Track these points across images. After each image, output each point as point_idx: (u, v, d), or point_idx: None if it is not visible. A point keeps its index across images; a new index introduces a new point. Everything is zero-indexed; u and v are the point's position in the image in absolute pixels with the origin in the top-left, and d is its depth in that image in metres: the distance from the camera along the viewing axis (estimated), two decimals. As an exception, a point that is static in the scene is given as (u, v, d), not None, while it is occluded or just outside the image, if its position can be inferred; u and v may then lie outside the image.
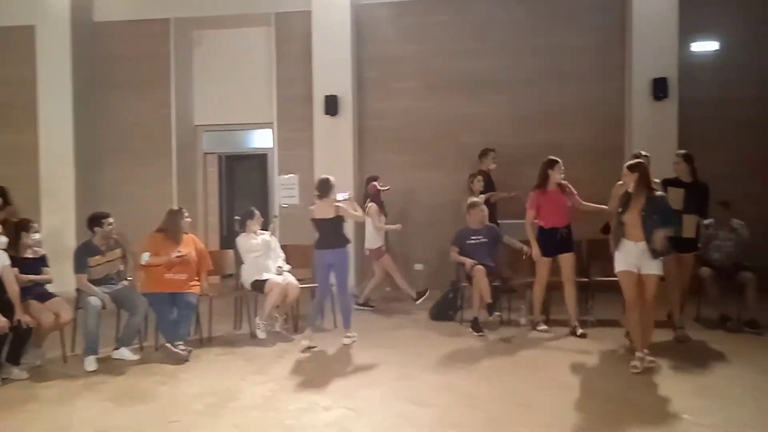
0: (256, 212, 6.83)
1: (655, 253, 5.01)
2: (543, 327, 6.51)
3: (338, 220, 6.09)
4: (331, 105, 8.79)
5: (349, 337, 6.12)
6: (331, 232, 6.10)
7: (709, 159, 6.74)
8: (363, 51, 9.20)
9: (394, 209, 9.09)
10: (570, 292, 6.34)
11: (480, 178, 7.81)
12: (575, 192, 6.45)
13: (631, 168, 5.21)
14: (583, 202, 6.46)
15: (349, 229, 6.77)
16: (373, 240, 7.75)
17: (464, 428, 3.97)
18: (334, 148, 8.89)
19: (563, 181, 6.37)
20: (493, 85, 8.94)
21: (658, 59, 8.21)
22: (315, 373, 5.20)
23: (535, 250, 6.34)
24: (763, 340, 5.88)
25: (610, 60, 8.70)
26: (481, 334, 6.40)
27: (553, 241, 6.30)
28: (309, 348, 5.89)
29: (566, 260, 6.30)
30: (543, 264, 6.36)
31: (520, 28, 8.92)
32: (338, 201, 6.12)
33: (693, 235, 5.89)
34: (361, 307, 7.68)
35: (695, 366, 5.11)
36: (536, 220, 6.46)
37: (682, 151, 6.21)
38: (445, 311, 7.22)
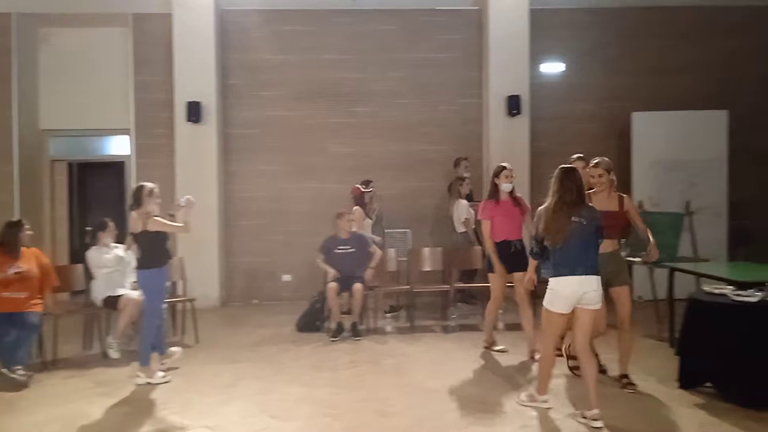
0: (110, 223, 6.42)
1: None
2: (499, 347, 5.95)
3: (151, 235, 5.20)
4: (194, 111, 8.47)
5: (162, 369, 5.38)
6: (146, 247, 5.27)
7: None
8: (227, 57, 8.98)
9: (262, 219, 8.99)
10: (527, 314, 5.69)
11: (468, 181, 8.04)
12: (528, 208, 5.88)
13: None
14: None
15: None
16: None
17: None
18: (196, 156, 8.58)
19: (517, 194, 5.88)
20: (358, 96, 9.07)
21: (511, 78, 8.76)
22: (172, 393, 4.94)
23: (498, 266, 5.68)
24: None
25: (468, 77, 9.14)
26: (334, 339, 6.53)
27: (505, 256, 5.71)
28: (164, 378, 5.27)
29: (521, 279, 5.20)
30: (497, 280, 5.76)
31: (383, 42, 9.13)
32: (179, 207, 5.40)
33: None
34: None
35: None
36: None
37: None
38: (312, 322, 7.16)
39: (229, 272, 9.01)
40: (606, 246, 4.40)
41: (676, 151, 8.37)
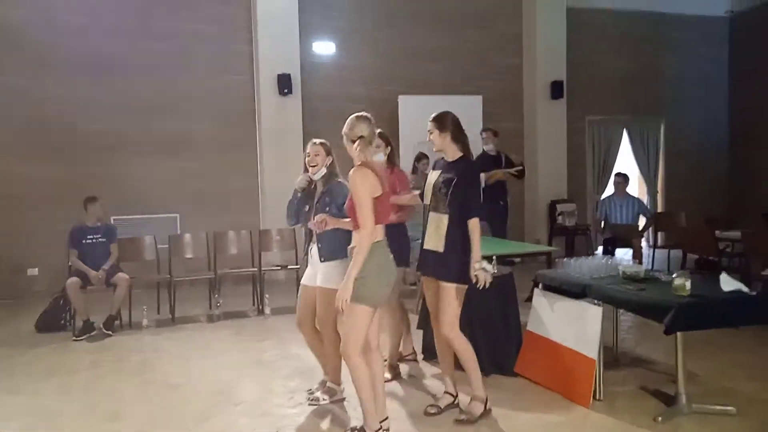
0: None
1: None
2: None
3: None
4: None
5: None
6: None
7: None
8: None
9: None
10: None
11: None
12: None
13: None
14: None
15: None
16: None
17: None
18: None
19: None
20: (112, 68, 8.20)
21: (282, 56, 8.54)
22: None
23: None
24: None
25: (238, 53, 8.74)
26: (78, 338, 5.89)
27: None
28: None
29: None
30: None
31: (135, 10, 8.34)
32: None
33: None
34: None
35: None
36: None
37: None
38: (55, 321, 6.35)
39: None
40: None
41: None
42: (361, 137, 3.30)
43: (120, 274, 6.25)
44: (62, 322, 6.36)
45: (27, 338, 6.04)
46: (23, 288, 7.85)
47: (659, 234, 9.63)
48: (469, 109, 9.01)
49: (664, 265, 7.68)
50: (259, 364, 5.00)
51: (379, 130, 4.21)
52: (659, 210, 10.73)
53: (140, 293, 6.90)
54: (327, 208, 3.77)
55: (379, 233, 3.27)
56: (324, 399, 4.04)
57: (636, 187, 10.94)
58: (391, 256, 3.37)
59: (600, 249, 8.28)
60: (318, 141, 4.03)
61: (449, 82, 9.40)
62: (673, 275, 3.65)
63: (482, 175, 6.96)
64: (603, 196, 8.61)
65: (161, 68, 8.40)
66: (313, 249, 3.88)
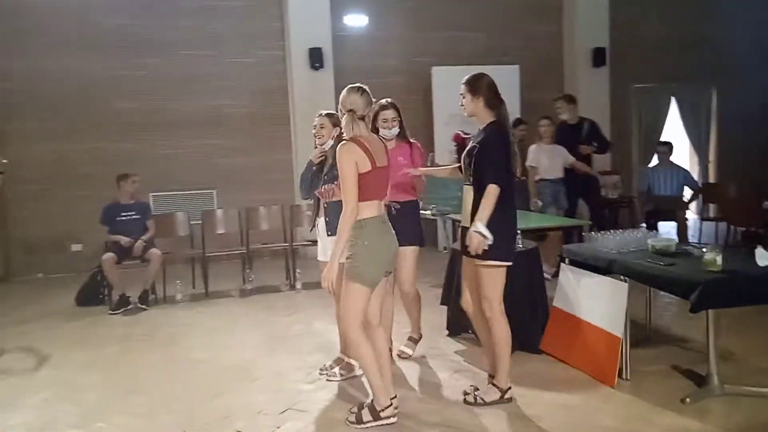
0: None
1: None
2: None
3: None
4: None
5: None
6: None
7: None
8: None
9: (38, 185, 8.03)
10: None
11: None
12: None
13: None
14: None
15: None
16: None
17: (56, 425, 3.52)
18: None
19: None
20: (144, 46, 8.27)
21: (313, 29, 8.42)
22: None
23: None
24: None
25: (269, 28, 8.68)
26: (114, 312, 6.03)
27: None
28: None
29: None
30: None
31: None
32: None
33: None
34: None
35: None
36: None
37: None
38: (94, 295, 6.53)
39: (5, 244, 8.00)
40: None
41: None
42: (350, 111, 3.14)
43: (153, 250, 6.36)
44: (101, 296, 6.53)
45: (66, 312, 6.23)
46: (68, 263, 8.05)
47: (709, 206, 9.19)
48: (505, 80, 8.57)
49: (712, 239, 7.33)
50: (283, 339, 5.00)
51: (389, 100, 4.09)
52: (711, 181, 10.24)
53: (177, 268, 7.03)
54: (336, 180, 3.69)
55: (373, 209, 3.13)
56: (341, 375, 4.01)
57: (687, 158, 10.47)
58: (391, 233, 3.24)
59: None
60: (324, 112, 3.95)
61: (484, 51, 9.09)
62: (703, 249, 3.43)
63: (561, 157, 6.70)
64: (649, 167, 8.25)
65: (194, 45, 8.42)
66: (320, 222, 3.81)
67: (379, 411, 3.23)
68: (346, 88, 3.24)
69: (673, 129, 10.45)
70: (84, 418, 3.59)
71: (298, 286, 6.75)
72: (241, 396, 3.84)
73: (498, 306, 3.42)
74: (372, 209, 3.13)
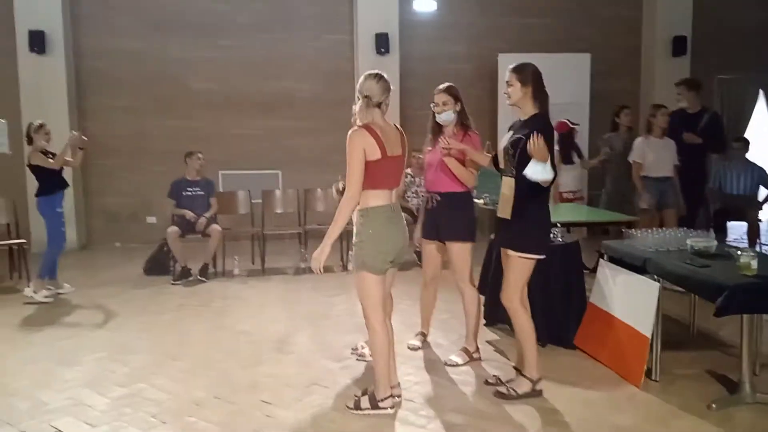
0: None
1: None
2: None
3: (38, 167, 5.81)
4: (38, 41, 7.86)
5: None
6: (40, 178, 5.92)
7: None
8: (73, -19, 8.31)
9: (120, 159, 8.58)
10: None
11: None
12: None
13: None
14: None
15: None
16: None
17: (103, 383, 3.83)
18: (44, 90, 8.00)
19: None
20: (219, 28, 8.63)
21: (380, 15, 8.51)
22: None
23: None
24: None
25: (337, 13, 8.84)
26: (175, 282, 6.38)
27: None
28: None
29: None
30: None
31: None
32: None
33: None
34: None
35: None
36: None
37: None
38: (161, 264, 6.96)
39: (88, 214, 8.63)
40: None
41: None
42: (366, 97, 3.16)
43: (213, 226, 6.69)
44: (167, 267, 6.94)
45: (135, 279, 6.68)
46: (143, 234, 8.58)
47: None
48: (575, 69, 8.56)
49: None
50: (325, 317, 5.18)
51: (447, 84, 4.02)
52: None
53: (239, 245, 7.35)
54: None
55: (382, 198, 3.16)
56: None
57: (772, 155, 9.82)
58: (400, 224, 3.25)
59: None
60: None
61: (554, 38, 8.88)
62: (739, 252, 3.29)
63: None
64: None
65: (264, 28, 8.71)
66: None
67: (378, 401, 3.28)
68: (363, 74, 3.27)
69: (761, 124, 9.82)
70: (128, 378, 3.89)
71: (350, 267, 6.90)
72: (272, 368, 4.03)
73: (518, 298, 3.42)
74: (381, 198, 3.16)
